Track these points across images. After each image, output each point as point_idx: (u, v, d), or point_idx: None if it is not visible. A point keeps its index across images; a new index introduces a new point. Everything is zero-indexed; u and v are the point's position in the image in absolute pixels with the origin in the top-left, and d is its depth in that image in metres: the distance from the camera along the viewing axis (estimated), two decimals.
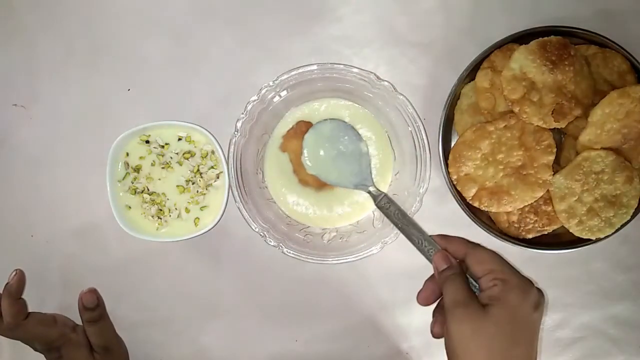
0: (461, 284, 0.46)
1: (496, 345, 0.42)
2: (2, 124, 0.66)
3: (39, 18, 0.66)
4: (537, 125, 0.56)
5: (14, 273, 0.51)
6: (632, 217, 0.57)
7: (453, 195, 0.59)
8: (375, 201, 0.57)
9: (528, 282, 0.46)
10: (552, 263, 0.64)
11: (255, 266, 0.65)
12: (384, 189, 0.61)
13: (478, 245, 0.49)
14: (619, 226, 0.57)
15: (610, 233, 0.57)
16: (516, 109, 0.56)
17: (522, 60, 0.56)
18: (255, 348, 0.66)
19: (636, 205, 0.57)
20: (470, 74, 0.59)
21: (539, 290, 0.46)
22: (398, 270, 0.64)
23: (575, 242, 0.59)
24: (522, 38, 0.58)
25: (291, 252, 0.58)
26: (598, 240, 0.58)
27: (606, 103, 0.55)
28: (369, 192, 0.58)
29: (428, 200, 0.58)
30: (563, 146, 0.60)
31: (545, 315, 0.64)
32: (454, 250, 0.49)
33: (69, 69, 0.65)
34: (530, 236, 0.60)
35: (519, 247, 0.59)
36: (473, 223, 0.59)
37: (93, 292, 0.53)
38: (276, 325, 0.66)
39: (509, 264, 0.47)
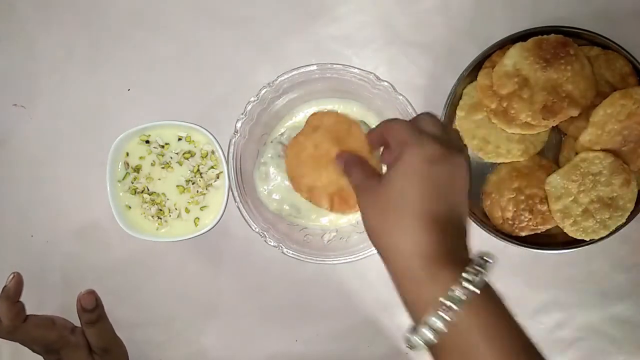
0: (357, 168, 0.46)
1: (391, 208, 0.40)
2: (2, 124, 0.66)
3: (39, 18, 0.65)
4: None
5: (11, 276, 0.51)
6: (628, 220, 0.57)
7: None
8: None
9: (423, 138, 0.40)
10: (552, 263, 0.64)
11: (255, 266, 0.65)
12: None
13: (393, 119, 0.45)
14: (614, 229, 0.57)
15: (604, 235, 0.57)
16: (504, 104, 0.56)
17: (516, 56, 0.56)
18: (255, 348, 0.66)
19: (632, 208, 0.56)
20: (471, 74, 0.59)
21: (445, 145, 0.40)
22: None
23: (576, 242, 0.59)
24: (522, 38, 0.57)
25: (291, 252, 0.58)
26: (598, 240, 0.58)
27: (608, 103, 0.55)
28: None
29: None
30: (563, 146, 0.60)
31: (545, 315, 0.64)
32: (379, 136, 0.46)
33: (69, 68, 0.65)
34: (523, 234, 0.59)
35: (520, 247, 0.59)
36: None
37: (91, 293, 0.52)
38: (276, 325, 0.66)
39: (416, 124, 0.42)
